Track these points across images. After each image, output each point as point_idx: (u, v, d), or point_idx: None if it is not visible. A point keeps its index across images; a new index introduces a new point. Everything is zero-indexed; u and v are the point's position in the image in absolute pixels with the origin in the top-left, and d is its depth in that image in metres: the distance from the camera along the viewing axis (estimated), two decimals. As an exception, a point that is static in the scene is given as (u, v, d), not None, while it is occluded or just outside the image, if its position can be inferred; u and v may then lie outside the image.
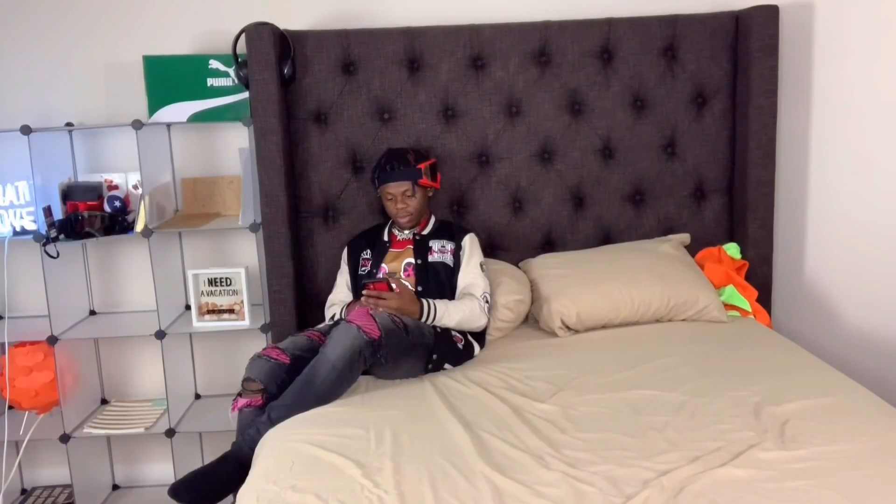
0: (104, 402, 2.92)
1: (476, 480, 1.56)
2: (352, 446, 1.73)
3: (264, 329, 2.62)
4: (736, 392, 1.91)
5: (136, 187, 2.71)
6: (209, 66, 2.66)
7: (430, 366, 2.18)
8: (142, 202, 2.55)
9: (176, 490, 1.88)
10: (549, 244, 2.78)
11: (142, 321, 2.72)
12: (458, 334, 2.29)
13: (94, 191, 2.67)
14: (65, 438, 2.63)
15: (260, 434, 1.90)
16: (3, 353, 2.70)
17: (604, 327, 2.46)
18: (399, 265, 2.39)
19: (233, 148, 2.78)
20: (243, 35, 2.51)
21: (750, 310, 2.55)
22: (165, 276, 2.70)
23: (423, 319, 2.22)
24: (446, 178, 2.71)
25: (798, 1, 2.68)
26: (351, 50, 2.63)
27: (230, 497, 1.92)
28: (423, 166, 2.39)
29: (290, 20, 2.65)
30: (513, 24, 2.64)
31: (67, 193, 2.64)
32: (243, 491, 1.63)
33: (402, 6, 2.74)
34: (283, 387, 2.04)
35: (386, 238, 2.47)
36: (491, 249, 2.75)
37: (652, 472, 1.55)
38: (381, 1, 2.74)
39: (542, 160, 2.73)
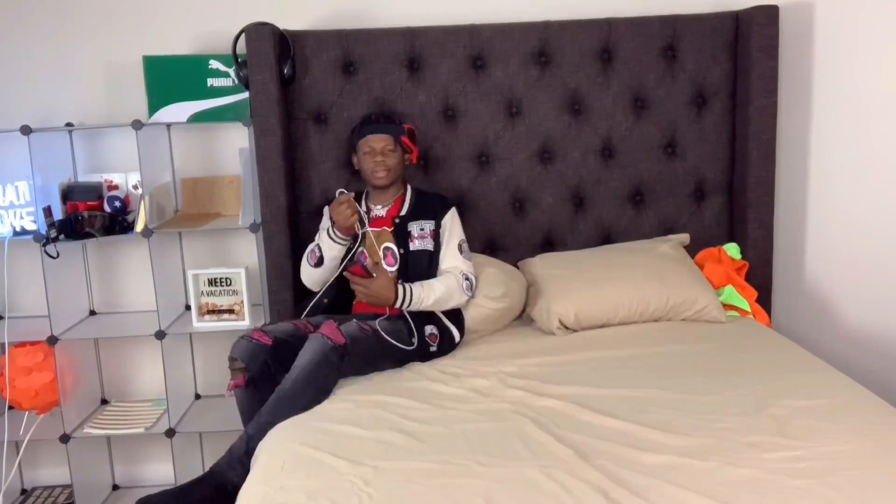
0: (104, 402, 2.92)
1: (467, 476, 1.56)
2: (343, 445, 1.73)
3: (263, 327, 2.62)
4: (736, 391, 1.91)
5: (136, 187, 2.71)
6: (209, 66, 2.66)
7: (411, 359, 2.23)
8: (142, 202, 2.55)
9: None
10: (549, 244, 2.78)
11: (142, 321, 2.72)
12: (434, 331, 2.28)
13: (94, 191, 2.67)
14: (65, 438, 2.63)
15: (245, 468, 1.86)
16: (3, 353, 2.70)
17: (602, 327, 2.46)
18: (378, 249, 2.36)
19: (233, 148, 2.78)
20: (243, 35, 2.51)
21: (749, 310, 2.55)
22: (165, 276, 2.70)
23: (400, 305, 2.24)
24: (446, 178, 2.71)
25: (798, 1, 2.68)
26: (351, 50, 2.63)
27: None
28: (406, 127, 2.41)
29: (290, 20, 2.65)
30: (513, 24, 2.64)
31: (67, 193, 2.64)
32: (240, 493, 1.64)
33: (402, 6, 2.74)
34: (264, 368, 2.11)
35: (364, 209, 2.41)
36: (491, 250, 2.75)
37: (651, 472, 1.55)
38: (381, 1, 2.74)
39: (542, 160, 2.73)
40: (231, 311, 2.67)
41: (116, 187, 2.73)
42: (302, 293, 2.66)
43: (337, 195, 2.33)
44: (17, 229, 2.61)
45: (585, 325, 2.45)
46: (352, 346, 2.07)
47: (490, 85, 2.67)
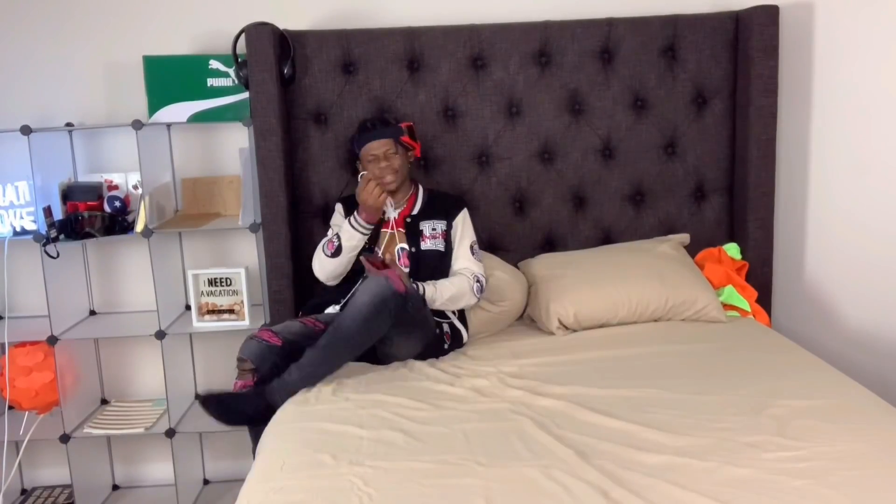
0: (104, 402, 2.92)
1: (467, 476, 1.56)
2: (343, 445, 1.73)
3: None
4: (736, 391, 1.91)
5: (136, 187, 2.71)
6: (209, 66, 2.66)
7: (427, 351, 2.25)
8: (142, 202, 2.55)
9: (206, 400, 2.01)
10: (549, 244, 2.78)
11: (142, 321, 2.72)
12: (447, 330, 2.31)
13: (94, 191, 2.67)
14: (65, 438, 2.63)
15: (290, 376, 2.02)
16: (3, 353, 2.70)
17: (601, 327, 2.46)
18: (393, 251, 2.37)
19: (233, 148, 2.78)
20: (243, 35, 2.51)
21: (749, 310, 2.55)
22: (165, 276, 2.70)
23: None
24: (446, 178, 2.71)
25: (798, 1, 2.68)
26: (351, 50, 2.63)
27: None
28: (403, 125, 2.41)
29: (290, 20, 2.64)
30: (513, 24, 2.64)
31: (67, 193, 2.64)
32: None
33: (402, 6, 2.74)
34: (274, 368, 2.11)
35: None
36: (491, 249, 2.75)
37: (651, 472, 1.55)
38: (381, 1, 2.74)
39: (542, 160, 2.73)
40: (231, 311, 2.67)
41: (116, 187, 2.73)
42: (302, 294, 2.66)
43: (359, 179, 2.34)
44: (17, 229, 2.61)
45: (585, 325, 2.45)
46: (410, 299, 2.08)
47: (490, 85, 2.67)
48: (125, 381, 2.94)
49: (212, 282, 2.66)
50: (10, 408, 2.78)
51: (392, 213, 2.40)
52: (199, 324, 2.67)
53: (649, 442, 1.68)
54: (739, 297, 2.56)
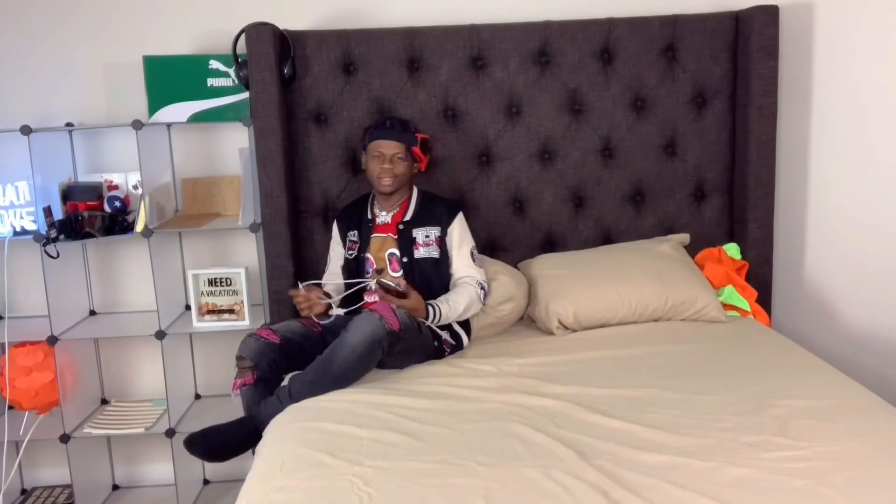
0: (104, 402, 2.92)
1: (467, 476, 1.56)
2: (343, 445, 1.73)
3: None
4: (736, 391, 1.91)
5: (136, 187, 2.71)
6: (209, 66, 2.66)
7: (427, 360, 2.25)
8: (142, 202, 2.55)
9: (191, 441, 1.99)
10: (549, 244, 2.78)
11: (142, 321, 2.72)
12: (449, 339, 2.31)
13: (94, 191, 2.67)
14: (65, 438, 2.63)
15: (281, 403, 1.98)
16: (3, 353, 2.70)
17: (601, 327, 2.46)
18: (384, 255, 2.36)
19: (233, 148, 2.78)
20: (243, 35, 2.51)
21: (749, 310, 2.55)
22: (165, 276, 2.70)
23: (430, 321, 2.25)
24: (446, 178, 2.71)
25: (798, 1, 2.68)
26: (351, 50, 2.63)
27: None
28: (420, 137, 2.39)
29: (290, 20, 2.64)
30: (513, 24, 2.64)
31: (67, 193, 2.64)
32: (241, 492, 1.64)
33: (402, 6, 2.74)
34: (273, 365, 2.13)
35: (369, 216, 2.42)
36: (491, 250, 2.75)
37: (652, 472, 1.55)
38: (381, 1, 2.74)
39: (542, 160, 2.73)
40: (231, 311, 2.67)
41: (116, 187, 2.73)
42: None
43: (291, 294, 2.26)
44: (17, 229, 2.61)
45: (585, 325, 2.45)
46: (403, 334, 2.07)
47: (490, 85, 2.67)
48: (125, 381, 2.94)
49: (212, 282, 2.66)
50: (10, 408, 2.78)
51: (385, 219, 2.39)
52: (199, 324, 2.67)
53: (649, 442, 1.68)
54: (739, 297, 2.56)
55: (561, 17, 2.66)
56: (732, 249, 2.71)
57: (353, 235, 2.42)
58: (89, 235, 2.56)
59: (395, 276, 2.34)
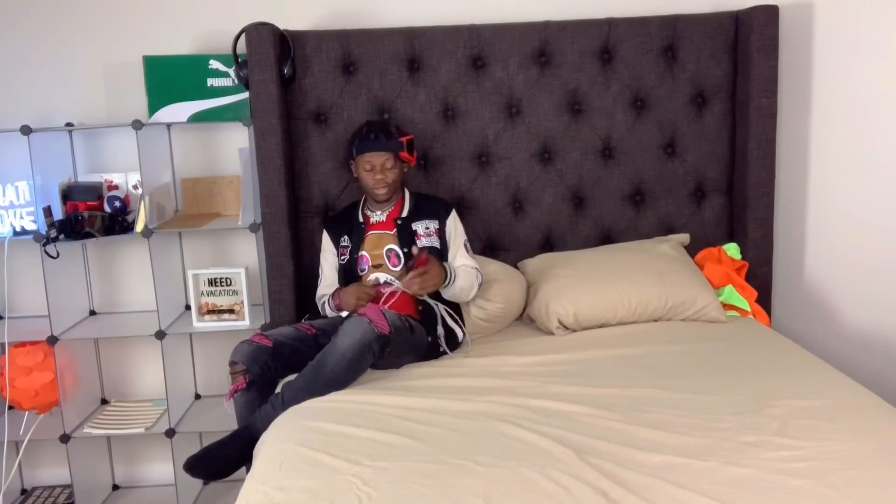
0: (104, 402, 2.92)
1: (466, 476, 1.56)
2: (342, 445, 1.73)
3: (264, 329, 2.62)
4: (736, 391, 1.91)
5: (136, 187, 2.72)
6: (209, 66, 2.66)
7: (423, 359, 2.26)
8: (142, 202, 2.55)
9: (191, 465, 1.98)
10: (549, 244, 2.78)
11: (142, 321, 2.72)
12: (442, 333, 2.29)
13: (94, 191, 2.67)
14: (65, 438, 2.63)
15: (275, 410, 1.98)
16: (3, 353, 2.70)
17: (601, 327, 2.46)
18: (381, 252, 2.37)
19: (233, 148, 2.78)
20: (243, 35, 2.51)
21: (749, 310, 2.55)
22: (165, 276, 2.70)
23: (445, 284, 2.29)
24: (446, 178, 2.71)
25: (798, 1, 2.68)
26: (351, 50, 2.63)
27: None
28: (404, 140, 2.39)
29: (290, 20, 2.65)
30: (513, 24, 2.64)
31: (67, 193, 2.65)
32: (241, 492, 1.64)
33: (402, 6, 2.74)
34: (266, 369, 2.13)
35: (360, 220, 2.43)
36: (491, 250, 2.75)
37: (651, 472, 1.55)
38: (381, 1, 2.74)
39: (542, 160, 2.73)
40: (231, 311, 2.67)
41: (116, 187, 2.73)
42: (302, 294, 2.66)
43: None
44: (17, 229, 2.61)
45: (585, 324, 2.44)
46: (394, 336, 2.07)
47: (490, 85, 2.67)
48: (125, 381, 2.94)
49: (212, 282, 2.66)
50: (10, 408, 2.78)
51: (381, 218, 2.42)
52: (199, 324, 2.67)
53: (649, 442, 1.68)
54: (739, 296, 2.56)
55: (561, 17, 2.66)
56: (732, 249, 2.71)
57: (344, 241, 2.43)
58: (89, 235, 2.56)
59: (394, 270, 2.34)
